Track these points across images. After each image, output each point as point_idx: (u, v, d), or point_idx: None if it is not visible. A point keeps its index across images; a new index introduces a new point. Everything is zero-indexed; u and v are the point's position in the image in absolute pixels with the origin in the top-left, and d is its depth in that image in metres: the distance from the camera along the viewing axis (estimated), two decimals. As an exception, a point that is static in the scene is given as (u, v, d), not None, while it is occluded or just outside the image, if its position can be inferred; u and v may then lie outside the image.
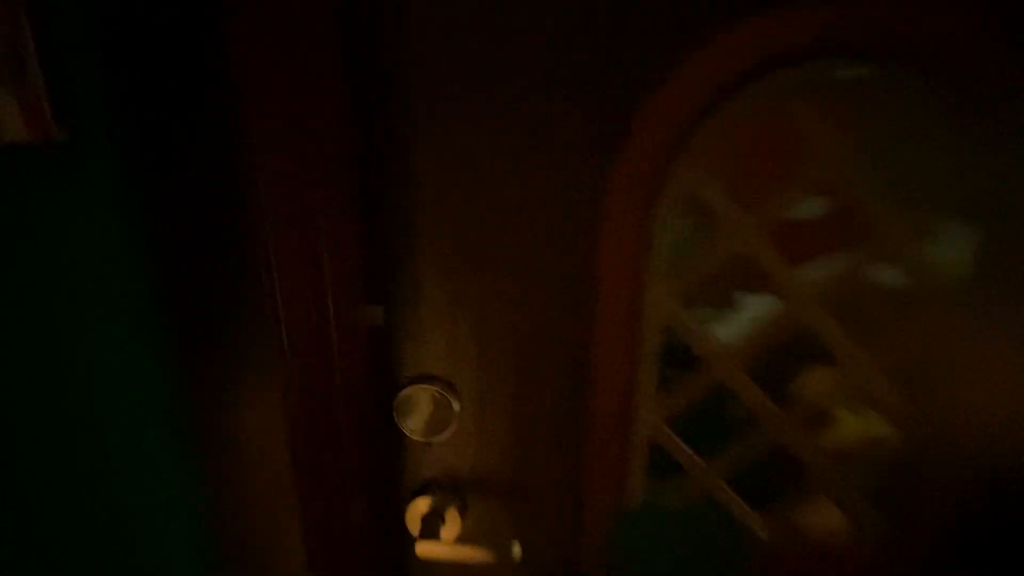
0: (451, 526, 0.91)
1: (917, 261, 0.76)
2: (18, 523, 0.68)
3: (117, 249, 0.63)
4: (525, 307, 0.80)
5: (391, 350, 0.85)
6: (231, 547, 0.83)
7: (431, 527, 0.90)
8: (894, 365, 0.80)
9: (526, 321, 0.81)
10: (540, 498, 0.91)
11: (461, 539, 0.90)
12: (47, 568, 0.70)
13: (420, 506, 0.91)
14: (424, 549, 0.84)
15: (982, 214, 0.72)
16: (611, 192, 0.74)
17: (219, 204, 0.60)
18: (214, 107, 0.57)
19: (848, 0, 0.64)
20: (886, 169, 0.76)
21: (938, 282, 0.75)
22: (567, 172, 0.74)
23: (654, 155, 0.73)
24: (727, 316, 0.82)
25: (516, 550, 0.82)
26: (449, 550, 0.84)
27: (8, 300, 0.62)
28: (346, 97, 0.69)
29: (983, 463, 0.73)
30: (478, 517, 0.94)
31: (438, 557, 0.84)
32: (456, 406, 0.86)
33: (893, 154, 0.77)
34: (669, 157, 0.73)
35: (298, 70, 0.59)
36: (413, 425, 0.87)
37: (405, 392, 0.85)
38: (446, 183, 0.77)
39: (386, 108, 0.74)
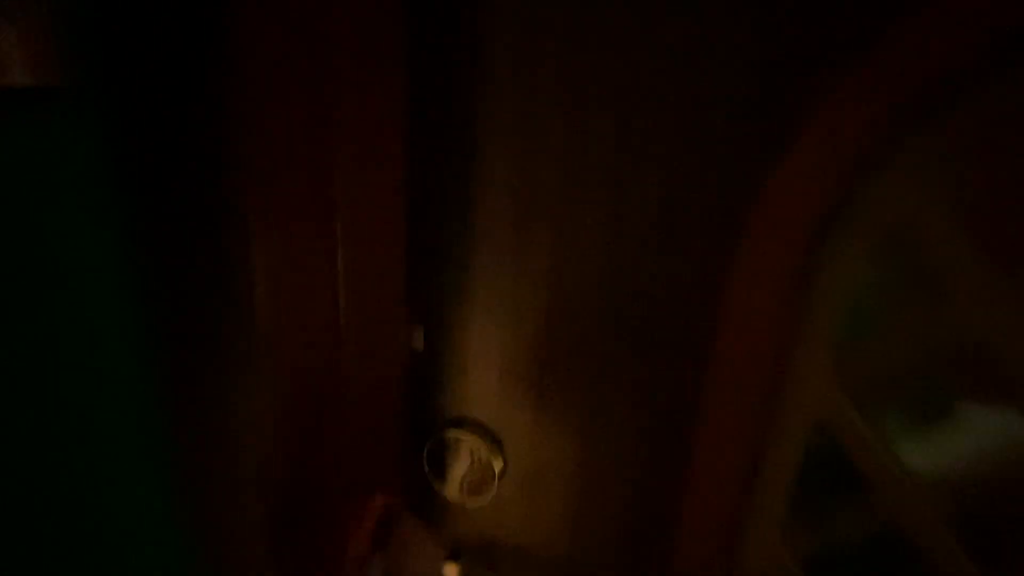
0: (476, 609, 0.72)
1: None
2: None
3: (106, 225, 0.53)
4: (609, 349, 0.58)
5: (429, 382, 0.67)
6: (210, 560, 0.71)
7: (453, 602, 0.71)
8: None
9: (608, 369, 0.59)
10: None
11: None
12: (22, 568, 0.63)
13: (444, 573, 0.73)
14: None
15: None
16: (758, 211, 0.48)
17: (211, 179, 0.46)
18: (215, 67, 0.43)
19: None
20: None
21: None
22: (692, 172, 0.50)
23: (832, 164, 0.46)
24: (931, 431, 0.52)
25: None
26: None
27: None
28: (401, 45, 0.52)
29: None
30: (511, 605, 0.73)
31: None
32: (498, 466, 0.66)
33: None
34: (857, 171, 0.46)
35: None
36: (445, 480, 0.69)
37: (439, 437, 0.67)
38: (521, 177, 0.56)
39: (460, 81, 0.55)
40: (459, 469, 0.67)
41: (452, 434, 0.67)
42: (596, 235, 0.55)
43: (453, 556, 0.74)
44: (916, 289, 0.49)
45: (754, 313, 0.50)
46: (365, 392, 0.62)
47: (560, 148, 0.54)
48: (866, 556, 0.57)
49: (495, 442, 0.67)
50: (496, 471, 0.66)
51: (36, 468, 0.60)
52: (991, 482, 0.50)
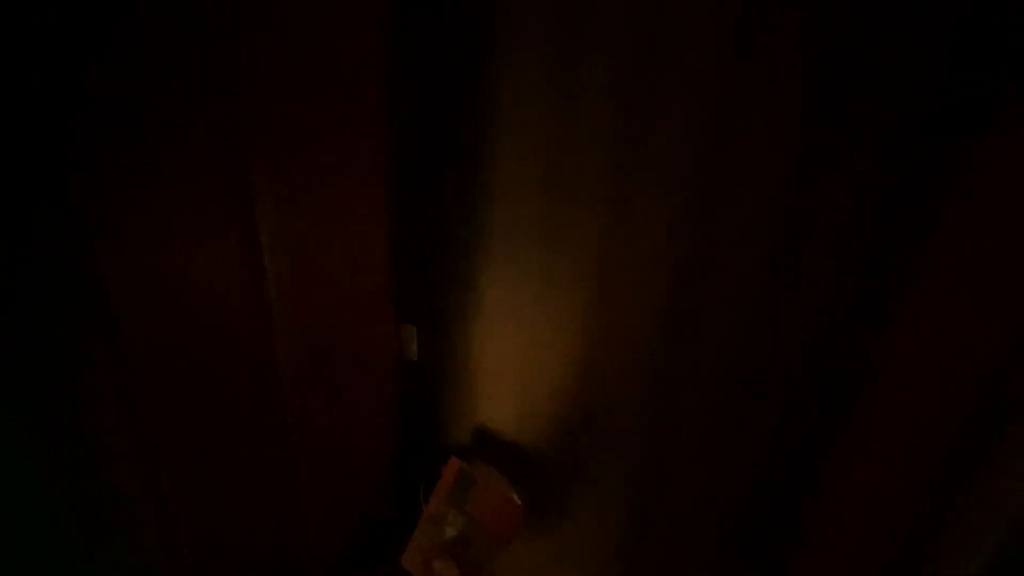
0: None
1: None
2: None
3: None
4: (675, 374, 0.40)
5: (424, 399, 0.51)
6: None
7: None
8: None
9: (672, 404, 0.42)
10: None
11: None
12: None
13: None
14: None
15: None
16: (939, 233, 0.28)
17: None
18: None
19: None
20: None
21: None
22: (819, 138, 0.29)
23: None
24: None
25: None
26: None
27: None
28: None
29: None
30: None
31: None
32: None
33: None
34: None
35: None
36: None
37: (438, 470, 0.51)
38: (556, 155, 0.40)
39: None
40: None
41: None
42: (661, 232, 0.36)
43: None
44: None
45: (922, 373, 0.29)
46: (332, 412, 0.47)
47: (611, 117, 0.35)
48: None
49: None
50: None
51: None
52: None
